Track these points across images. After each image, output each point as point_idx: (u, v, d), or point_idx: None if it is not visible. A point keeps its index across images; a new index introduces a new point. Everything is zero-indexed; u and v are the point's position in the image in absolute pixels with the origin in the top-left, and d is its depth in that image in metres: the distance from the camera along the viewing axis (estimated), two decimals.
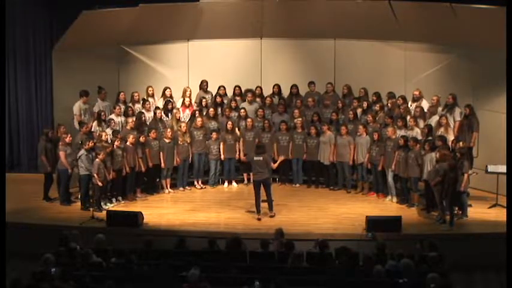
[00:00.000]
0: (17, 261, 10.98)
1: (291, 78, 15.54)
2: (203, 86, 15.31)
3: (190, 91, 15.05)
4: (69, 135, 13.29)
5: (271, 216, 12.61)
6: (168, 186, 14.35)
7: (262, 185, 12.65)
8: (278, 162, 13.27)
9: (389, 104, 14.37)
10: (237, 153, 14.63)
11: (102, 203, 12.99)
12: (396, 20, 14.34)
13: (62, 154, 13.13)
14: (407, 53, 15.07)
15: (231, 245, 10.24)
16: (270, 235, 10.80)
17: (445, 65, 14.53)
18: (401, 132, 13.40)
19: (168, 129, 14.12)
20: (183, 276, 8.97)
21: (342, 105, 14.86)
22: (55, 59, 14.79)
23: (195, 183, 14.63)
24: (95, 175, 12.69)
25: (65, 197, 13.40)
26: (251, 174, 14.67)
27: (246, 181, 14.90)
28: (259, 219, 12.57)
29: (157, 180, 14.30)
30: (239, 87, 15.32)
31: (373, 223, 11.88)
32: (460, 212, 12.49)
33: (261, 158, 12.65)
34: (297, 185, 14.74)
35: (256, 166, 12.67)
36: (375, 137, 13.55)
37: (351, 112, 14.46)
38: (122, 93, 14.80)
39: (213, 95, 15.36)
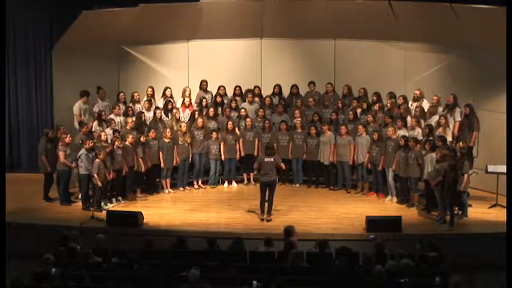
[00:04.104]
0: (17, 261, 10.97)
1: (291, 78, 15.55)
2: (203, 86, 15.32)
3: (190, 91, 15.05)
4: (68, 135, 13.29)
5: (268, 221, 12.52)
6: (168, 186, 14.35)
7: (267, 187, 12.63)
8: (284, 167, 13.04)
9: (388, 104, 14.38)
10: (238, 153, 14.64)
11: (102, 203, 12.99)
12: (396, 20, 14.35)
13: (61, 154, 13.14)
14: (407, 53, 15.08)
15: (233, 247, 10.26)
16: (270, 235, 10.79)
17: (445, 65, 14.54)
18: (401, 132, 13.41)
19: (168, 129, 14.12)
20: (183, 276, 8.97)
21: (342, 105, 14.87)
22: (55, 59, 14.80)
23: (195, 183, 14.63)
24: (95, 175, 12.69)
25: (65, 197, 13.40)
26: (251, 174, 14.74)
27: (246, 181, 14.91)
28: (262, 220, 12.55)
29: (157, 180, 14.31)
30: (239, 87, 15.33)
31: (373, 223, 11.89)
32: (460, 212, 12.50)
33: (272, 160, 12.59)
34: (297, 185, 14.74)
35: (265, 167, 12.57)
36: (375, 137, 13.55)
37: (350, 112, 14.47)
38: (121, 93, 14.83)
39: (213, 95, 15.37)
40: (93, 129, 13.82)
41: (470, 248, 11.39)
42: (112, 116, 14.21)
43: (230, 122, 14.54)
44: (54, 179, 13.57)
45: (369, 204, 13.42)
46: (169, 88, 15.01)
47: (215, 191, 14.56)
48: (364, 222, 11.99)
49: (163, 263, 9.60)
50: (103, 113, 14.15)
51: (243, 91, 15.39)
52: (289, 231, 10.47)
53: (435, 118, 13.65)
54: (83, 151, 12.90)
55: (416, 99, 14.23)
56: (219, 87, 15.32)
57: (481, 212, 12.80)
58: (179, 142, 14.16)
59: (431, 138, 13.00)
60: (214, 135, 14.43)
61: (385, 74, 15.19)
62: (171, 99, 14.88)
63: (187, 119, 14.73)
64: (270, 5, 15.11)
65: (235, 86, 15.33)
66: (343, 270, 9.24)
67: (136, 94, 14.87)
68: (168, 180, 14.35)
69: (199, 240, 10.99)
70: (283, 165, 12.76)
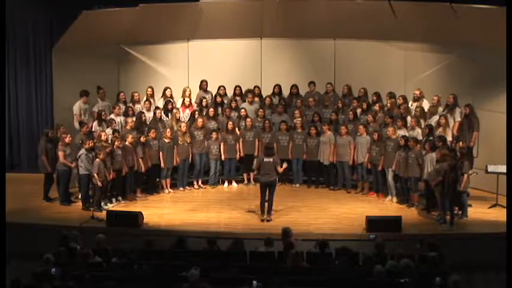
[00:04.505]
0: (17, 261, 10.98)
1: (291, 78, 15.54)
2: (203, 86, 15.32)
3: (190, 91, 15.05)
4: (68, 136, 13.30)
5: (268, 221, 12.50)
6: (168, 186, 14.35)
7: (267, 187, 12.61)
8: (282, 169, 12.79)
9: (388, 104, 14.38)
10: (238, 153, 14.64)
11: (102, 203, 12.98)
12: (396, 20, 14.33)
13: (61, 154, 13.14)
14: (407, 53, 15.09)
15: (233, 247, 10.27)
16: (270, 235, 10.79)
17: (445, 65, 14.54)
18: (401, 132, 13.41)
19: (168, 129, 14.12)
20: (183, 276, 8.97)
21: (342, 105, 14.87)
22: (55, 59, 14.82)
23: (195, 183, 14.62)
24: (95, 175, 12.69)
25: (65, 197, 13.40)
26: (251, 174, 14.73)
27: (246, 181, 14.90)
28: (262, 220, 12.53)
29: (157, 180, 14.30)
30: (239, 87, 15.33)
31: (373, 223, 11.89)
32: (460, 212, 12.50)
33: (271, 160, 12.56)
34: (297, 185, 14.73)
35: (265, 167, 12.56)
36: (375, 137, 13.55)
37: (350, 112, 14.47)
38: (121, 93, 14.84)
39: (213, 95, 15.37)
40: (93, 129, 13.83)
41: (470, 248, 11.39)
42: (112, 116, 14.21)
43: (230, 122, 14.54)
44: (54, 179, 13.57)
45: (369, 204, 13.42)
46: (169, 88, 15.01)
47: (215, 191, 14.56)
48: (364, 222, 11.99)
49: (163, 263, 9.60)
50: (103, 113, 14.16)
51: (243, 91, 15.39)
52: (287, 232, 10.47)
53: (435, 118, 13.66)
54: (82, 151, 12.90)
55: (416, 99, 14.23)
56: (219, 87, 15.32)
57: (481, 212, 12.80)
58: (179, 142, 14.16)
59: (431, 138, 13.01)
60: (214, 135, 14.42)
61: (385, 74, 15.19)
62: (171, 99, 14.88)
63: (187, 119, 14.73)
64: (270, 5, 15.09)
65: (235, 86, 15.33)
66: (343, 270, 9.24)
67: (136, 94, 14.87)
68: (168, 180, 14.35)
69: (199, 240, 10.99)
70: (279, 168, 12.70)
